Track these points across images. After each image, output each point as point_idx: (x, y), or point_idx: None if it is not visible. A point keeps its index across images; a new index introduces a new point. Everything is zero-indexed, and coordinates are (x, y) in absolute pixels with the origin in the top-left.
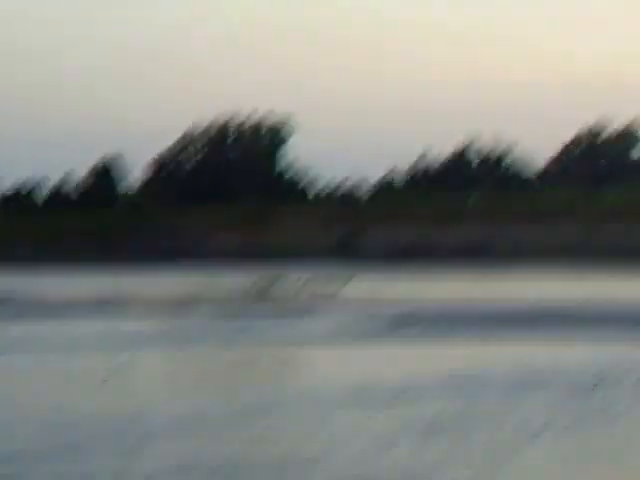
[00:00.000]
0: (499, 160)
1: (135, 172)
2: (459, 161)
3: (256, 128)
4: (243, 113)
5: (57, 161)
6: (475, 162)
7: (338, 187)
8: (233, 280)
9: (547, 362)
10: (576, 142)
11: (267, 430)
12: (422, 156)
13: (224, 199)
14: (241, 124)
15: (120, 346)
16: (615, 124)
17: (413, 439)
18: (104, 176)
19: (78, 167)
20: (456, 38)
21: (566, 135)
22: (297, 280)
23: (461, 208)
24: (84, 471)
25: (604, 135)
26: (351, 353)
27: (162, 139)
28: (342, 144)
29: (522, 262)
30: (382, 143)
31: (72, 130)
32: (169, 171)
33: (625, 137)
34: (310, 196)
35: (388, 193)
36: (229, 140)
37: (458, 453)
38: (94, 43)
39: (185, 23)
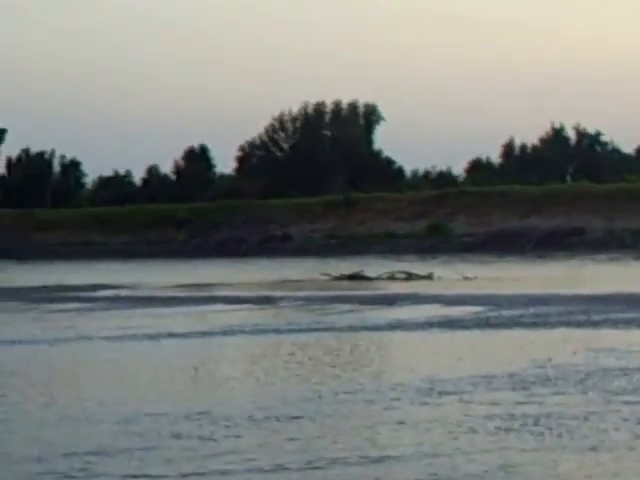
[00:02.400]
0: (591, 143)
1: (224, 159)
2: (551, 144)
3: (353, 107)
4: (328, 100)
5: (141, 152)
6: (568, 144)
7: (429, 172)
8: (324, 267)
9: None
10: None
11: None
12: (511, 140)
13: (320, 180)
14: (338, 103)
15: (211, 333)
16: None
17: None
18: (198, 160)
19: (163, 158)
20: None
21: None
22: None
23: (554, 191)
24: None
25: None
26: (452, 340)
27: (247, 126)
28: (424, 132)
29: (617, 247)
30: (465, 130)
31: (156, 120)
32: (261, 156)
33: None
34: (403, 179)
35: (480, 177)
36: (326, 119)
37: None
38: (173, 29)
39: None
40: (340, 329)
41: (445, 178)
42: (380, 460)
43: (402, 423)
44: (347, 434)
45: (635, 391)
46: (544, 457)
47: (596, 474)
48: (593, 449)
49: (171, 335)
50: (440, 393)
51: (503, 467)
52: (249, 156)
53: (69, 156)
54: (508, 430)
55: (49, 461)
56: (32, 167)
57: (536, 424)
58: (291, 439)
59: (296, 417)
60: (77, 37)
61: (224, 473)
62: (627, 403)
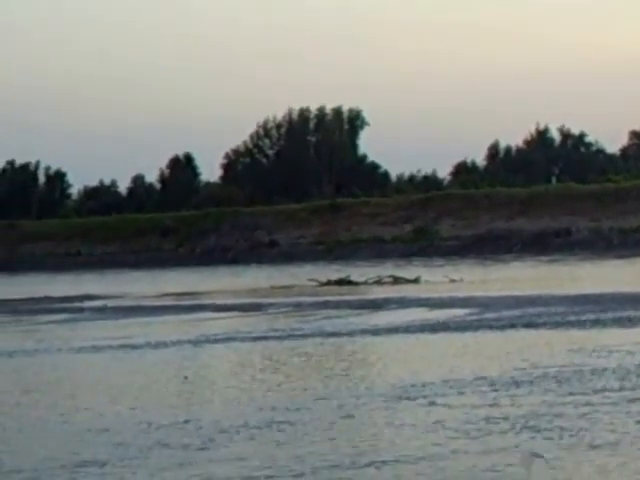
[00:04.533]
0: (576, 144)
1: (209, 167)
2: (536, 145)
3: (337, 113)
4: (312, 106)
5: (126, 162)
6: (553, 146)
7: (414, 176)
8: (311, 273)
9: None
10: None
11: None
12: (496, 143)
13: (305, 186)
14: (322, 109)
15: (199, 342)
16: None
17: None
18: (183, 168)
19: (148, 168)
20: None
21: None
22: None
23: (540, 192)
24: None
25: None
26: (441, 341)
27: (232, 134)
28: (409, 136)
29: (604, 247)
30: (452, 133)
31: (141, 130)
32: (246, 163)
33: None
34: (388, 183)
35: (465, 180)
36: (311, 125)
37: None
38: (157, 38)
39: (237, 16)
40: (328, 334)
41: (430, 182)
42: (355, 465)
43: (385, 426)
44: (326, 441)
45: (618, 389)
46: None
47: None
48: (569, 448)
49: (159, 344)
50: (424, 397)
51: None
52: (234, 164)
53: (54, 167)
54: (488, 432)
55: (38, 472)
56: (17, 179)
57: (514, 425)
58: (278, 445)
59: (281, 422)
60: (60, 48)
61: None
62: (608, 402)
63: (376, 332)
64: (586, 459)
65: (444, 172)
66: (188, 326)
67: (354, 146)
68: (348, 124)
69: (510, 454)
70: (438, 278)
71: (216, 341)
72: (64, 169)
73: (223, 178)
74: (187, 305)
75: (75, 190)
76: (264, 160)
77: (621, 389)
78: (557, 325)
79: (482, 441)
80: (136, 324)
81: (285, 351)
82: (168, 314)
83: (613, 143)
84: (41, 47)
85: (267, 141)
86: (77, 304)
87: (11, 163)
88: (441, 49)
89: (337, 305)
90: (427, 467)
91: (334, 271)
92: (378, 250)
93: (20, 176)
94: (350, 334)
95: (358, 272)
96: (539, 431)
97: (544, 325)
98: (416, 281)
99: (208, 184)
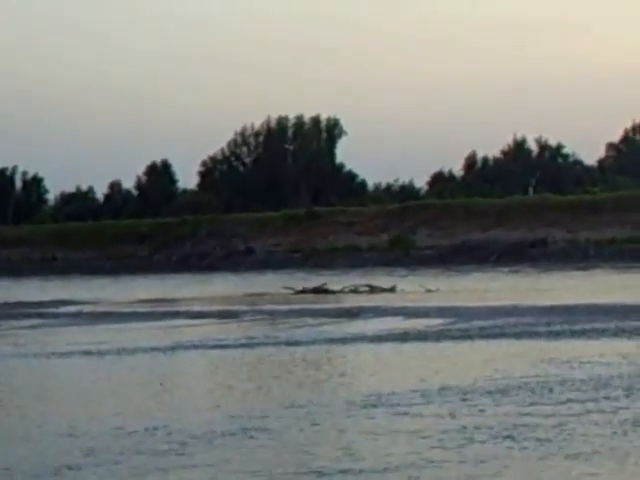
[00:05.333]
0: (553, 155)
1: (187, 174)
2: (513, 156)
3: (315, 121)
4: (290, 115)
5: (104, 168)
6: (530, 157)
7: (391, 185)
8: (287, 281)
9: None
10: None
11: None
12: (474, 153)
13: (282, 195)
14: (300, 117)
15: (173, 348)
16: None
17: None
18: (160, 175)
19: (126, 174)
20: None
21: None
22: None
23: (517, 203)
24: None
25: None
26: (416, 351)
27: (209, 141)
28: (386, 146)
29: (580, 258)
30: (431, 144)
31: (118, 136)
32: (224, 170)
33: None
34: (366, 193)
35: (442, 190)
36: (289, 133)
37: None
38: (134, 46)
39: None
40: (302, 343)
41: (407, 191)
42: (325, 473)
43: (355, 435)
44: (290, 450)
45: (591, 400)
46: (488, 467)
47: None
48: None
49: (134, 350)
50: (396, 406)
51: None
52: (211, 171)
53: (31, 172)
54: (463, 442)
55: (8, 478)
56: None
57: (488, 435)
58: (249, 452)
59: (251, 429)
60: (38, 55)
61: None
62: (582, 413)
63: (350, 341)
64: (562, 469)
65: (421, 182)
66: (163, 333)
67: (332, 155)
68: (326, 133)
69: (487, 464)
70: (414, 287)
71: (190, 348)
72: (41, 174)
73: (200, 185)
74: (162, 312)
75: (52, 196)
76: (241, 168)
77: (594, 400)
78: (531, 335)
79: (457, 451)
80: (111, 330)
81: (258, 359)
82: (143, 320)
83: (590, 155)
84: (16, 52)
85: (245, 149)
86: (52, 309)
87: None
88: (420, 62)
89: (312, 313)
90: (398, 477)
91: (310, 279)
92: (354, 259)
93: None
94: (324, 342)
95: (334, 280)
96: (516, 441)
97: (518, 335)
98: (392, 290)
99: (185, 191)
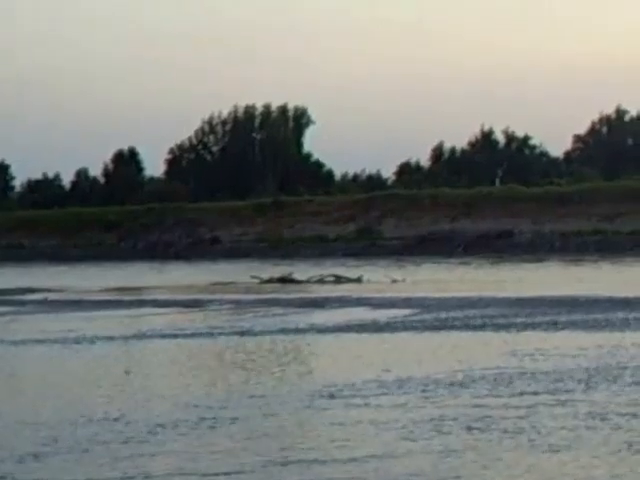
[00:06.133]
0: (520, 146)
1: (154, 162)
2: (480, 147)
3: (283, 110)
4: (258, 103)
5: (70, 155)
6: (497, 148)
7: (358, 175)
8: (254, 270)
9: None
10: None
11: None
12: (441, 144)
13: (249, 184)
14: (267, 106)
15: (138, 336)
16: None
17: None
18: (128, 163)
19: (92, 161)
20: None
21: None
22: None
23: (484, 194)
24: None
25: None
26: (382, 341)
27: (176, 129)
28: (354, 135)
29: (546, 250)
30: (397, 134)
31: (85, 123)
32: (191, 159)
33: None
34: (332, 182)
35: (409, 180)
36: (256, 122)
37: None
38: (103, 30)
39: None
40: (267, 333)
41: (374, 181)
42: (286, 462)
43: (316, 425)
44: (254, 440)
45: (555, 392)
46: (454, 460)
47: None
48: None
49: (99, 338)
50: (358, 397)
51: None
52: (179, 159)
53: None
54: (428, 433)
55: None
56: None
57: (453, 426)
58: (211, 441)
59: (212, 419)
60: (4, 35)
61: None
62: (547, 404)
63: (315, 331)
64: (531, 460)
65: (388, 172)
66: (128, 321)
67: (299, 144)
68: (293, 122)
69: (455, 455)
70: (380, 278)
71: (156, 337)
72: (7, 161)
73: (167, 173)
74: (128, 300)
75: (18, 183)
76: (209, 156)
77: (557, 391)
78: (495, 327)
79: (422, 443)
80: (77, 318)
81: (223, 348)
82: (109, 309)
83: (557, 147)
84: None
85: (212, 137)
86: (18, 297)
87: None
88: (388, 50)
89: (278, 303)
90: (363, 467)
91: (277, 269)
92: (321, 249)
93: None
94: (289, 332)
95: (301, 270)
96: (482, 432)
97: (483, 327)
98: (358, 280)
99: (152, 179)
